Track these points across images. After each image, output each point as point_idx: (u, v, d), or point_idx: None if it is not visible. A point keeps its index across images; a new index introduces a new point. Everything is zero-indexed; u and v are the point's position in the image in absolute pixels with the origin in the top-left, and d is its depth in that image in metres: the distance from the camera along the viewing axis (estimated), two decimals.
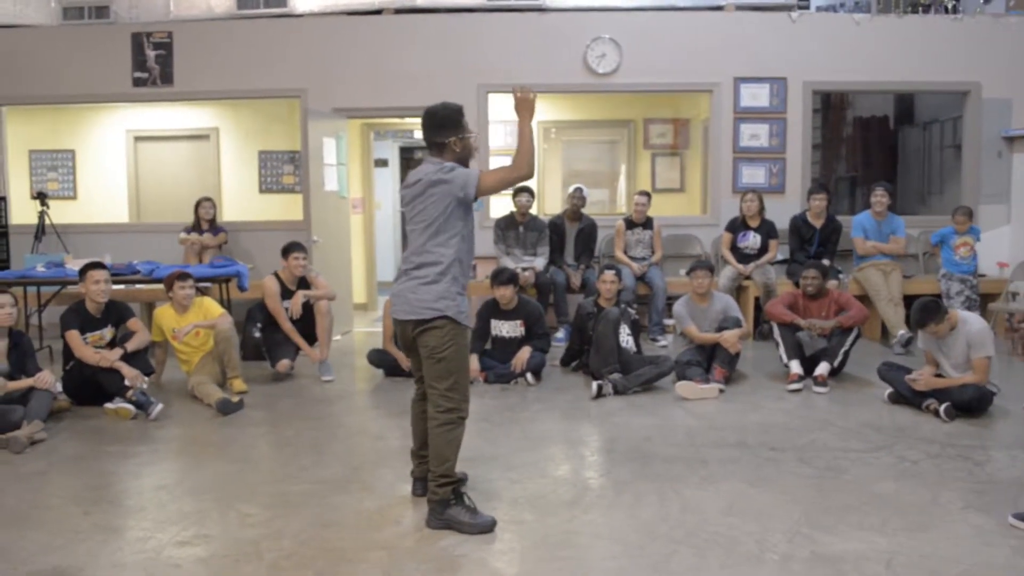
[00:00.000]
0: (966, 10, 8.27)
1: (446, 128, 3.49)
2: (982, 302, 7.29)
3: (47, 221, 8.07)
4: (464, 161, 3.51)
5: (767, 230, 7.59)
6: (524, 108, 3.48)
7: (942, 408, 4.90)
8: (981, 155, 8.20)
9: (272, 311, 6.24)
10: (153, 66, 8.22)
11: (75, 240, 8.22)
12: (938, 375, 5.13)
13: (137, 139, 9.34)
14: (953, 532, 3.32)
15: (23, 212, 8.62)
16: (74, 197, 9.31)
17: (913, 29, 8.09)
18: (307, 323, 6.30)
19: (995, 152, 8.18)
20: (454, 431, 3.41)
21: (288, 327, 6.22)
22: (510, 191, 8.11)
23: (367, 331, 8.39)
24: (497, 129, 9.06)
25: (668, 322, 7.39)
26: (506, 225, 7.58)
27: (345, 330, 7.97)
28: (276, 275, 6.31)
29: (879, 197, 7.45)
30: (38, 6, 8.39)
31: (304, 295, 6.17)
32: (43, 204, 8.06)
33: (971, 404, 4.92)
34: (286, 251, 6.27)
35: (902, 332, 6.90)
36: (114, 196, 9.29)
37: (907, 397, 5.17)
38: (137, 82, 8.27)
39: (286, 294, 6.28)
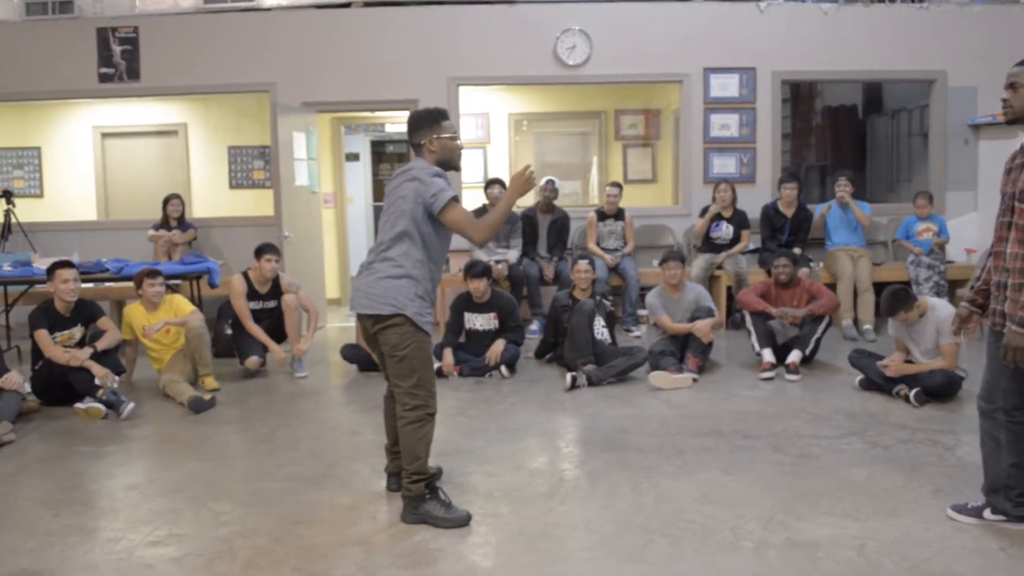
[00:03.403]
0: None
1: (420, 129, 3.46)
2: (950, 288, 7.39)
3: (13, 220, 7.94)
4: (446, 163, 3.48)
5: (739, 220, 7.64)
6: (519, 187, 3.41)
7: (912, 394, 4.96)
8: (948, 143, 8.30)
9: (237, 311, 6.19)
10: (119, 61, 8.11)
11: (42, 239, 8.11)
12: (908, 361, 5.20)
13: (104, 135, 9.21)
14: (924, 516, 3.36)
15: None
16: (41, 195, 9.17)
17: (880, 18, 8.16)
18: (279, 322, 6.27)
19: (962, 140, 8.28)
20: (423, 428, 3.39)
21: (252, 328, 6.17)
22: (482, 182, 8.14)
23: (340, 326, 8.34)
24: (468, 122, 9.06)
25: (642, 313, 7.43)
26: (478, 218, 7.54)
27: (319, 326, 7.91)
28: (245, 275, 6.26)
29: (843, 187, 7.55)
30: None
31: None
32: (9, 203, 7.93)
33: (940, 389, 4.99)
34: (259, 252, 6.23)
35: (847, 323, 7.08)
36: (82, 194, 9.15)
37: (878, 383, 5.24)
38: (103, 78, 8.15)
39: (254, 295, 6.24)
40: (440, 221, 3.37)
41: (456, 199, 3.34)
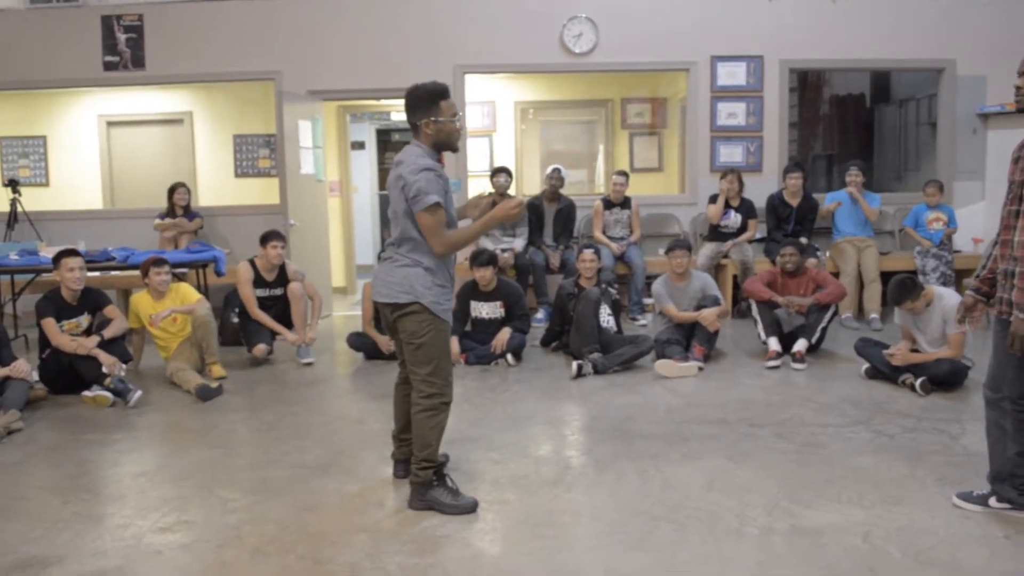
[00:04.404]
0: None
1: (417, 110, 3.37)
2: (957, 278, 7.37)
3: (19, 209, 7.95)
4: (443, 144, 3.41)
5: (747, 209, 7.62)
6: (503, 216, 3.37)
7: (918, 382, 4.96)
8: (956, 132, 8.24)
9: (243, 299, 6.20)
10: (124, 50, 8.10)
11: (48, 227, 8.12)
12: (914, 350, 5.19)
13: (109, 124, 9.21)
14: (929, 504, 3.37)
15: None
16: (46, 184, 9.18)
17: (888, 7, 8.10)
18: (285, 309, 6.28)
19: (970, 129, 8.23)
20: (437, 416, 3.39)
21: (258, 315, 6.18)
22: (488, 171, 8.14)
23: (346, 315, 8.36)
24: (474, 110, 9.04)
25: (647, 301, 7.42)
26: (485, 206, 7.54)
27: (324, 314, 7.93)
28: (252, 262, 6.28)
29: (853, 177, 7.52)
30: None
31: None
32: (15, 191, 7.94)
33: (946, 378, 4.99)
34: (264, 239, 6.23)
35: (846, 316, 7.08)
36: (87, 182, 9.16)
37: (884, 372, 5.23)
38: (108, 66, 8.14)
39: (260, 282, 6.25)
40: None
41: (437, 204, 3.23)
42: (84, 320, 5.54)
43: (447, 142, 3.42)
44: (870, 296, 7.20)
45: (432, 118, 3.36)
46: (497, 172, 7.59)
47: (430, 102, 3.36)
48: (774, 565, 2.89)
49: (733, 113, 8.18)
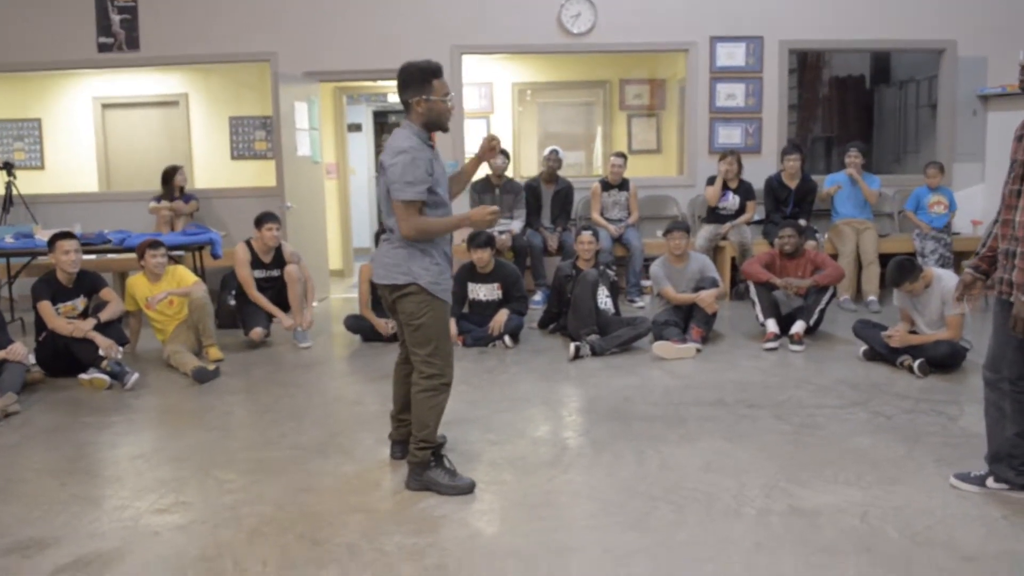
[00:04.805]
0: None
1: (409, 87, 3.34)
2: (956, 260, 7.35)
3: (14, 192, 7.92)
4: (433, 125, 3.38)
5: (745, 191, 7.59)
6: (477, 221, 3.36)
7: (916, 364, 4.95)
8: (956, 114, 8.20)
9: (241, 280, 6.18)
10: (118, 31, 8.03)
11: (44, 210, 8.08)
12: (912, 332, 5.19)
13: (105, 106, 9.14)
14: (926, 485, 3.37)
15: None
16: (41, 167, 9.12)
17: None
18: (282, 291, 6.27)
19: (970, 111, 8.19)
20: (437, 397, 3.39)
21: (256, 296, 6.17)
22: None
23: (343, 297, 8.34)
24: (471, 92, 8.99)
25: (645, 283, 7.41)
26: (482, 188, 7.53)
27: (322, 296, 7.92)
28: (248, 244, 6.26)
29: (853, 158, 7.48)
30: None
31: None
32: (10, 174, 7.90)
33: (945, 360, 4.98)
34: (259, 221, 6.21)
35: (844, 298, 7.08)
36: (83, 165, 9.11)
37: (882, 354, 5.23)
38: (102, 47, 8.07)
39: (258, 263, 6.23)
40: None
41: (408, 193, 3.22)
42: (80, 303, 5.52)
43: (438, 122, 3.39)
44: (868, 278, 7.20)
45: (424, 96, 3.32)
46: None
47: (422, 80, 3.33)
48: (771, 545, 2.89)
49: (732, 94, 8.14)
